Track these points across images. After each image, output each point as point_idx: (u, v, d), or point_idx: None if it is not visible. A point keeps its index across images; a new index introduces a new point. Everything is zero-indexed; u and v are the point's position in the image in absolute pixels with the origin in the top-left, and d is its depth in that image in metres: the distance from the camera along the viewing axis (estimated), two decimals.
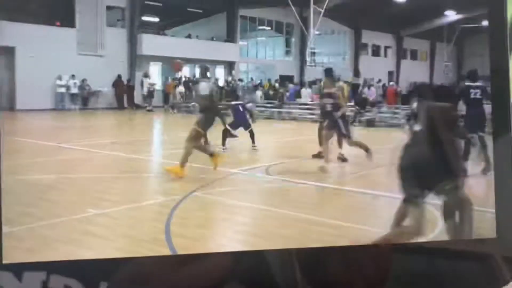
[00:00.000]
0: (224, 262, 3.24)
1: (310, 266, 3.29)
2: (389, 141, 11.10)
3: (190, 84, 25.88)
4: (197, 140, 7.49)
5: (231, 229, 5.43)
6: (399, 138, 14.80)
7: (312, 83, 27.23)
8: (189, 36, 27.90)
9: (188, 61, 27.94)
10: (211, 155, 7.64)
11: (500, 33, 3.42)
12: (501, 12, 3.41)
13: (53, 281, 2.64)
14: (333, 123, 8.27)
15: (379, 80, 26.31)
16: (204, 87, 7.68)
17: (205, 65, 9.34)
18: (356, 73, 23.52)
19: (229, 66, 30.82)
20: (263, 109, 20.83)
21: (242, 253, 3.54)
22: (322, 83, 8.13)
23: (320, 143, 8.88)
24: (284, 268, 3.28)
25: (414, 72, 43.36)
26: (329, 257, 3.37)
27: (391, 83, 24.98)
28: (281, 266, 3.27)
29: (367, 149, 8.45)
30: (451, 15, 37.20)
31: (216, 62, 29.82)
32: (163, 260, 3.55)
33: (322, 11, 28.56)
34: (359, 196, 6.88)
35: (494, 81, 3.40)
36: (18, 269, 2.50)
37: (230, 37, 30.16)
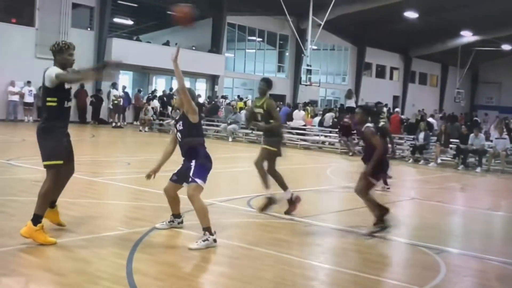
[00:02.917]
0: None
1: None
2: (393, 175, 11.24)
3: (165, 98, 25.74)
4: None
5: (203, 269, 5.41)
6: (403, 171, 14.81)
7: (306, 105, 27.26)
8: (167, 43, 27.63)
9: (165, 72, 27.75)
10: None
11: None
12: None
13: None
14: None
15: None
16: None
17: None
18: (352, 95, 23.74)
19: (212, 80, 30.60)
20: (248, 131, 20.81)
21: None
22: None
23: None
24: None
25: (422, 98, 43.69)
26: None
27: (396, 109, 25.15)
28: None
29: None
30: (466, 36, 37.70)
31: (197, 75, 29.52)
32: None
33: (322, 23, 28.66)
34: (350, 236, 6.90)
35: None
36: None
37: (215, 47, 29.85)
